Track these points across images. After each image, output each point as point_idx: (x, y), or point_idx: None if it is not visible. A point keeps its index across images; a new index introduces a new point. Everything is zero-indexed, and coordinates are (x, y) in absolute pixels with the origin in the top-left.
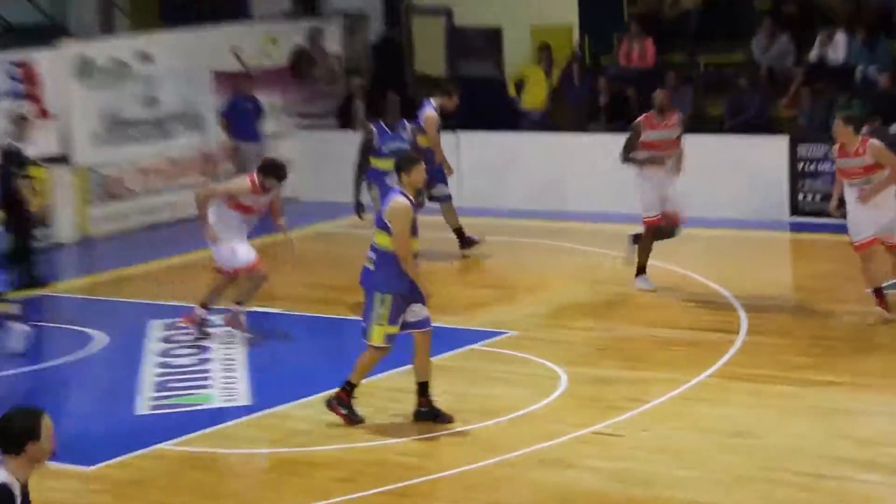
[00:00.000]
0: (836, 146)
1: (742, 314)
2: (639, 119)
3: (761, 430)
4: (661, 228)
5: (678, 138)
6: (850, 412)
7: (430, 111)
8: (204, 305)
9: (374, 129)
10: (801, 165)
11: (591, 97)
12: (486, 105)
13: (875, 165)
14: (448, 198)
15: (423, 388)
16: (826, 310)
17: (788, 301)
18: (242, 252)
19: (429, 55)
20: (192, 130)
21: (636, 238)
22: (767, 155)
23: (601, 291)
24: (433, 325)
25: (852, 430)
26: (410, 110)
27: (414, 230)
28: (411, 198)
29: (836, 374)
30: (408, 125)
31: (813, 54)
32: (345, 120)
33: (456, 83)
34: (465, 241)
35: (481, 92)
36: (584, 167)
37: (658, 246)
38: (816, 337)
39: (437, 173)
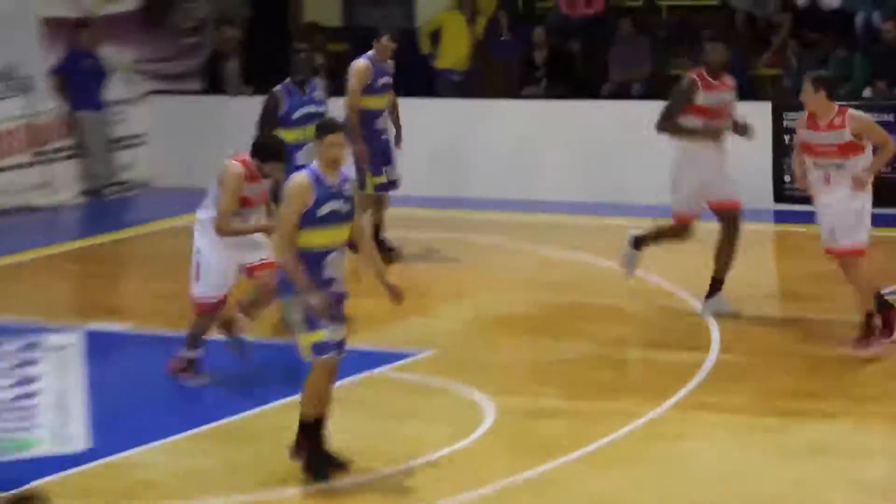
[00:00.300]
0: (804, 116)
1: (713, 328)
2: (690, 76)
3: (738, 476)
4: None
5: (733, 104)
6: (853, 451)
7: (360, 61)
8: (246, 311)
9: (281, 90)
10: (787, 139)
11: (526, 53)
12: (393, 63)
13: (853, 144)
14: (389, 186)
15: (317, 426)
16: (820, 321)
17: (772, 311)
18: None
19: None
20: (15, 95)
21: (638, 242)
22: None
23: (540, 301)
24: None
25: (856, 473)
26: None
27: (333, 217)
28: (323, 175)
29: (834, 403)
30: (319, 84)
31: None
32: (214, 82)
33: (394, 34)
34: (378, 246)
35: None
36: (518, 142)
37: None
38: (807, 356)
39: (387, 149)
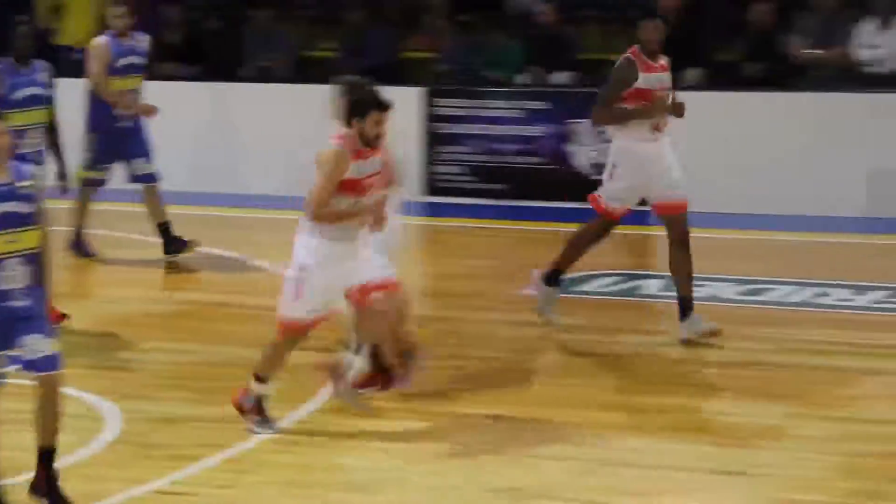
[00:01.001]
0: None
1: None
2: (625, 57)
3: (386, 485)
4: (675, 231)
5: (670, 87)
6: (512, 456)
7: (97, 38)
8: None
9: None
10: (439, 127)
11: (160, 31)
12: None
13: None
14: (151, 178)
15: (48, 458)
16: (474, 320)
17: (420, 311)
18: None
19: None
20: None
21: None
22: (395, 112)
23: (173, 299)
24: None
25: (515, 479)
26: None
27: (2, 222)
28: None
29: (491, 404)
30: (45, 65)
31: None
32: None
33: None
34: (173, 242)
35: None
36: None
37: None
38: (460, 357)
39: (138, 141)
